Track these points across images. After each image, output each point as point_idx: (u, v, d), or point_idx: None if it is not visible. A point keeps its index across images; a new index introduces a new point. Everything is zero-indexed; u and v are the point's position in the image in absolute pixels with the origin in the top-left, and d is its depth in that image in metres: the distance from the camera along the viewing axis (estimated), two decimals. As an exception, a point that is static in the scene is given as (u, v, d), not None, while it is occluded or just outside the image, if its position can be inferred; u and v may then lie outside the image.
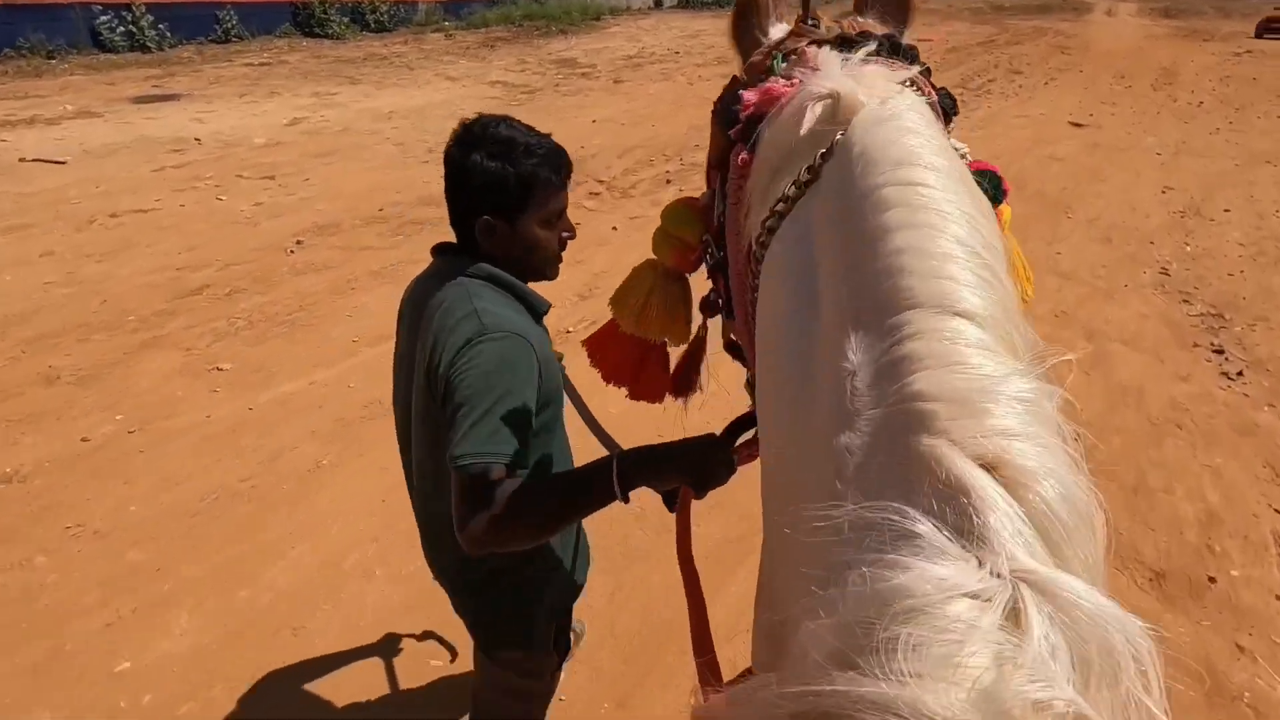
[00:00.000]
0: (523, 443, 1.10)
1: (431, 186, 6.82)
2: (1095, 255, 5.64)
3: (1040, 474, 0.38)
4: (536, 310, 1.29)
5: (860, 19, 0.83)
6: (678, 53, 15.63)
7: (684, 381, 1.24)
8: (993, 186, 0.84)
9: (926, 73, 0.76)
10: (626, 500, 1.05)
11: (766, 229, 0.67)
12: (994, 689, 0.31)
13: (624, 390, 1.29)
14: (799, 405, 0.55)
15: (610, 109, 10.40)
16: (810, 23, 0.82)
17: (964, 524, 0.37)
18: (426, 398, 1.19)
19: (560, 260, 1.32)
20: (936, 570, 0.34)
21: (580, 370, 1.38)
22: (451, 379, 1.10)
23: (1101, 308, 4.79)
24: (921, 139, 0.58)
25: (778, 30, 0.89)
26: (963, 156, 0.73)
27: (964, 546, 0.36)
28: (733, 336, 1.02)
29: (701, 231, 1.00)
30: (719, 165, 0.89)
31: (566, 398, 1.36)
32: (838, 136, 0.61)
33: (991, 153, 8.62)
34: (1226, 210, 6.71)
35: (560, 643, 1.56)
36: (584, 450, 1.39)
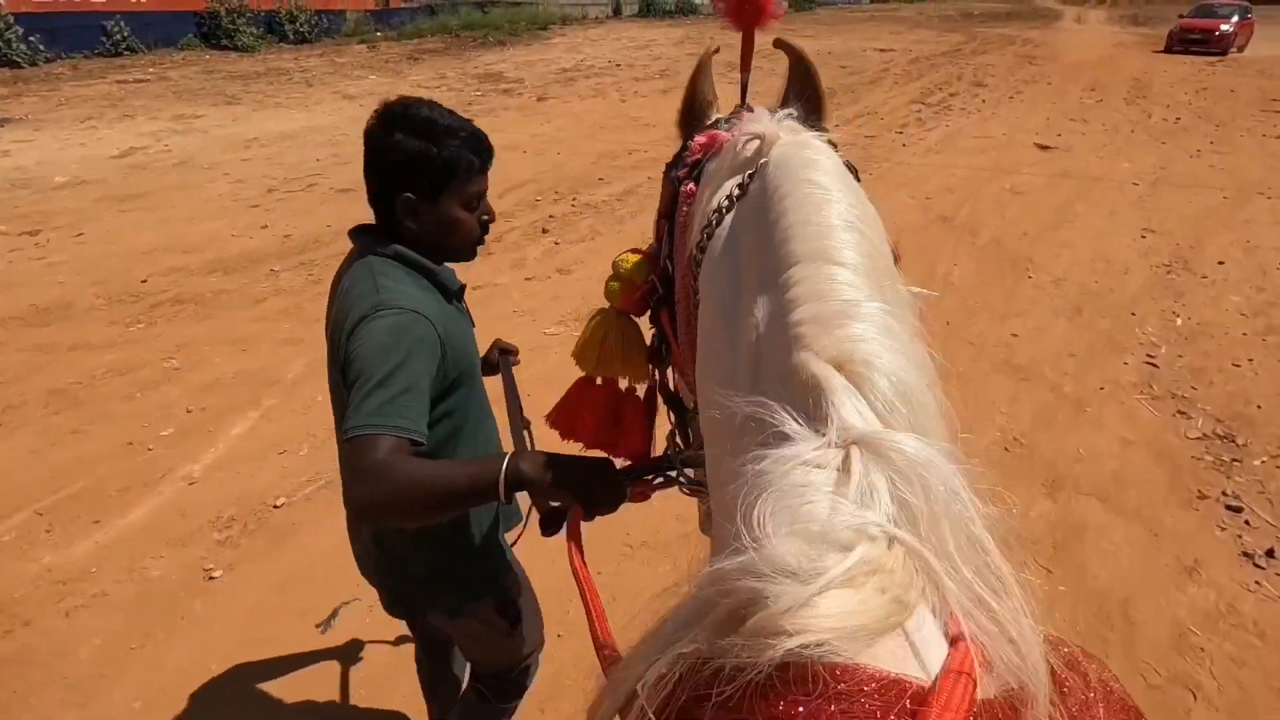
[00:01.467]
0: (416, 416, 1.06)
1: (243, 242, 5.37)
2: (1062, 336, 4.30)
3: (873, 364, 0.47)
4: (447, 289, 1.26)
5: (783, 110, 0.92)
6: (619, 65, 14.26)
7: (647, 446, 1.22)
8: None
9: (833, 145, 0.82)
10: (509, 500, 1.02)
11: (705, 234, 0.76)
12: (823, 529, 0.37)
13: (606, 453, 1.20)
14: (729, 365, 0.62)
15: (519, 132, 9.00)
16: (745, 107, 0.95)
17: (816, 410, 0.44)
18: (336, 376, 1.16)
19: (481, 243, 1.29)
20: (786, 450, 0.42)
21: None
22: (348, 355, 1.09)
23: (1070, 430, 3.44)
24: (821, 154, 0.71)
25: (720, 116, 1.00)
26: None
27: (814, 427, 0.44)
28: (671, 387, 1.08)
29: (647, 274, 1.03)
30: (667, 215, 0.96)
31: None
32: (762, 161, 0.73)
33: (947, 185, 7.32)
34: (1221, 263, 5.41)
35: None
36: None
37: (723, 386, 0.60)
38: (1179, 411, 3.59)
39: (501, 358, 1.56)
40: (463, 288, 1.31)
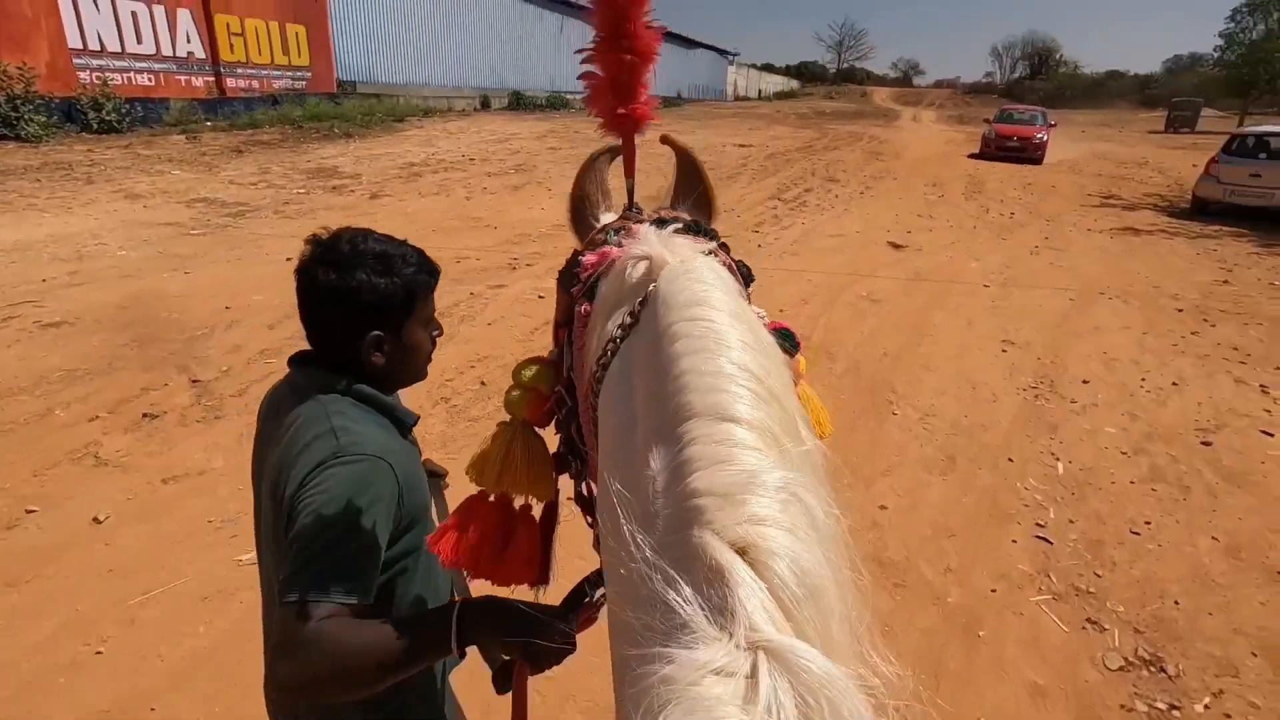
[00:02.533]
0: (366, 577, 0.99)
1: None
2: (937, 505, 3.47)
3: (779, 553, 0.43)
4: (404, 424, 1.20)
5: (673, 210, 0.94)
6: (472, 160, 13.42)
7: (543, 565, 1.05)
8: (787, 340, 0.89)
9: (725, 247, 0.84)
10: (462, 655, 0.97)
11: (601, 365, 0.73)
12: None
13: (486, 579, 1.06)
14: (626, 526, 0.55)
15: (335, 237, 7.76)
16: (635, 210, 0.93)
17: (721, 603, 0.41)
18: (273, 520, 1.05)
19: (430, 360, 1.25)
20: (692, 654, 0.39)
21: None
22: (296, 506, 0.99)
23: (966, 680, 2.49)
24: (710, 286, 0.65)
25: (608, 217, 0.98)
26: (760, 317, 0.80)
27: (719, 624, 0.41)
28: (584, 490, 0.99)
29: (554, 383, 0.96)
30: (565, 323, 0.92)
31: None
32: (650, 288, 0.69)
33: (802, 294, 6.70)
34: (1086, 382, 4.93)
35: None
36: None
37: (619, 543, 0.55)
38: (1089, 621, 2.75)
39: (431, 481, 1.32)
40: (416, 420, 1.24)
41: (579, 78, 0.90)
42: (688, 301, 0.63)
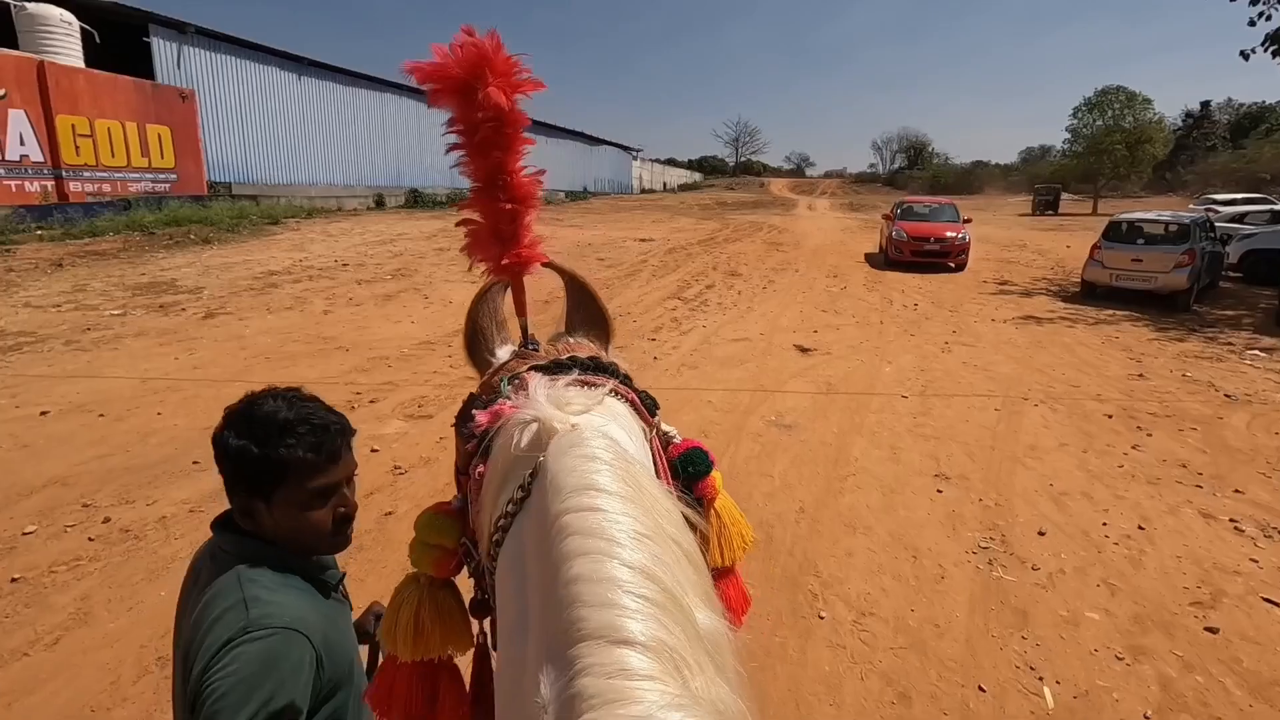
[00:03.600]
0: None
1: None
2: (898, 801, 2.29)
3: None
4: (325, 583, 1.16)
5: (571, 339, 0.92)
6: (345, 265, 12.09)
7: (484, 703, 0.95)
8: (702, 461, 0.87)
9: (627, 380, 0.82)
10: None
11: (494, 541, 0.68)
12: None
13: None
14: None
15: (126, 371, 6.18)
16: (531, 346, 0.90)
17: None
18: (182, 699, 1.00)
19: (341, 534, 1.17)
20: None
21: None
22: (203, 689, 0.93)
23: None
24: (599, 464, 0.61)
25: (504, 351, 0.94)
26: (670, 439, 0.81)
27: None
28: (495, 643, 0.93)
29: (459, 535, 0.88)
30: (465, 470, 0.85)
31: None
32: (539, 459, 0.66)
33: (702, 423, 5.59)
34: (1042, 533, 3.99)
35: None
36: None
37: None
38: None
39: (378, 627, 1.25)
40: (341, 578, 1.21)
41: (457, 224, 0.93)
42: (574, 487, 0.60)
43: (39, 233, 13.17)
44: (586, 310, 0.95)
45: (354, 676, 1.16)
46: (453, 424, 0.88)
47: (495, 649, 0.87)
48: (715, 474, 0.89)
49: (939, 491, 4.53)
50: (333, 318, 8.76)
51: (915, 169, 75.66)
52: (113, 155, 16.05)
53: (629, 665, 0.45)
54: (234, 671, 0.94)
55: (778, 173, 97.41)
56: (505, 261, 0.89)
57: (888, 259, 15.39)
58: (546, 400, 0.71)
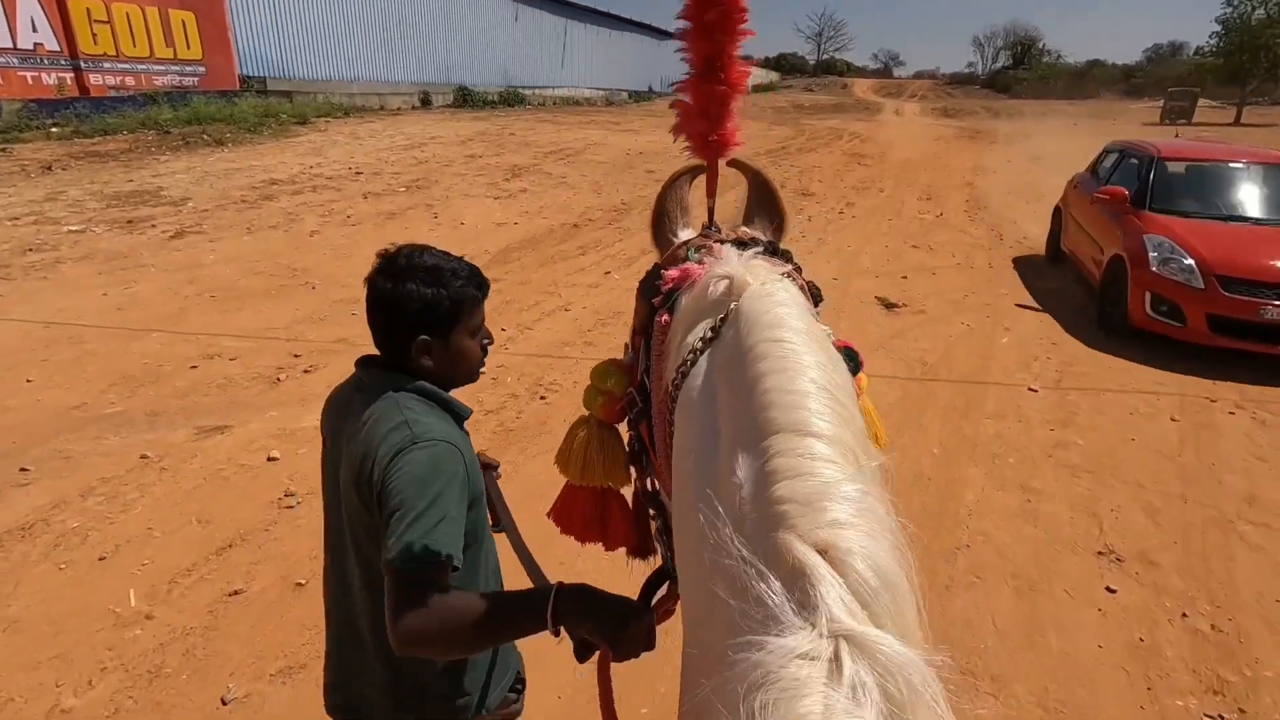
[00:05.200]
0: (454, 543, 1.06)
1: None
2: None
3: (856, 552, 0.46)
4: (460, 416, 1.26)
5: (747, 228, 0.97)
6: (360, 173, 10.53)
7: (644, 537, 1.17)
8: (850, 359, 0.90)
9: (798, 269, 0.87)
10: (557, 634, 1.00)
11: (680, 374, 0.76)
12: None
13: (600, 546, 1.21)
14: (707, 514, 0.59)
15: (31, 311, 4.93)
16: (713, 229, 0.96)
17: (804, 597, 0.44)
18: (358, 507, 1.15)
19: (483, 365, 1.30)
20: (781, 641, 0.42)
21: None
22: (385, 486, 1.07)
23: None
24: (789, 309, 0.70)
25: (686, 234, 1.01)
26: (828, 336, 0.81)
27: (804, 616, 0.44)
28: (649, 487, 1.08)
29: (626, 386, 1.04)
30: (642, 331, 0.97)
31: (495, 514, 1.41)
32: (731, 306, 0.73)
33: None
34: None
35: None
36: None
37: (702, 546, 0.58)
38: None
39: (485, 473, 1.38)
40: (470, 413, 1.29)
41: (670, 105, 0.98)
42: (769, 324, 0.67)
43: (53, 129, 12.10)
44: (766, 205, 1.00)
45: (484, 500, 1.28)
46: (638, 287, 0.95)
47: (643, 491, 1.09)
48: (862, 375, 0.96)
49: (1110, 591, 2.77)
50: (318, 240, 7.30)
51: (1021, 69, 66.95)
52: (134, 44, 14.65)
53: (814, 450, 0.54)
54: (410, 473, 1.06)
55: (862, 73, 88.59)
56: (712, 138, 0.93)
57: (1129, 323, 5.30)
58: (738, 263, 0.79)
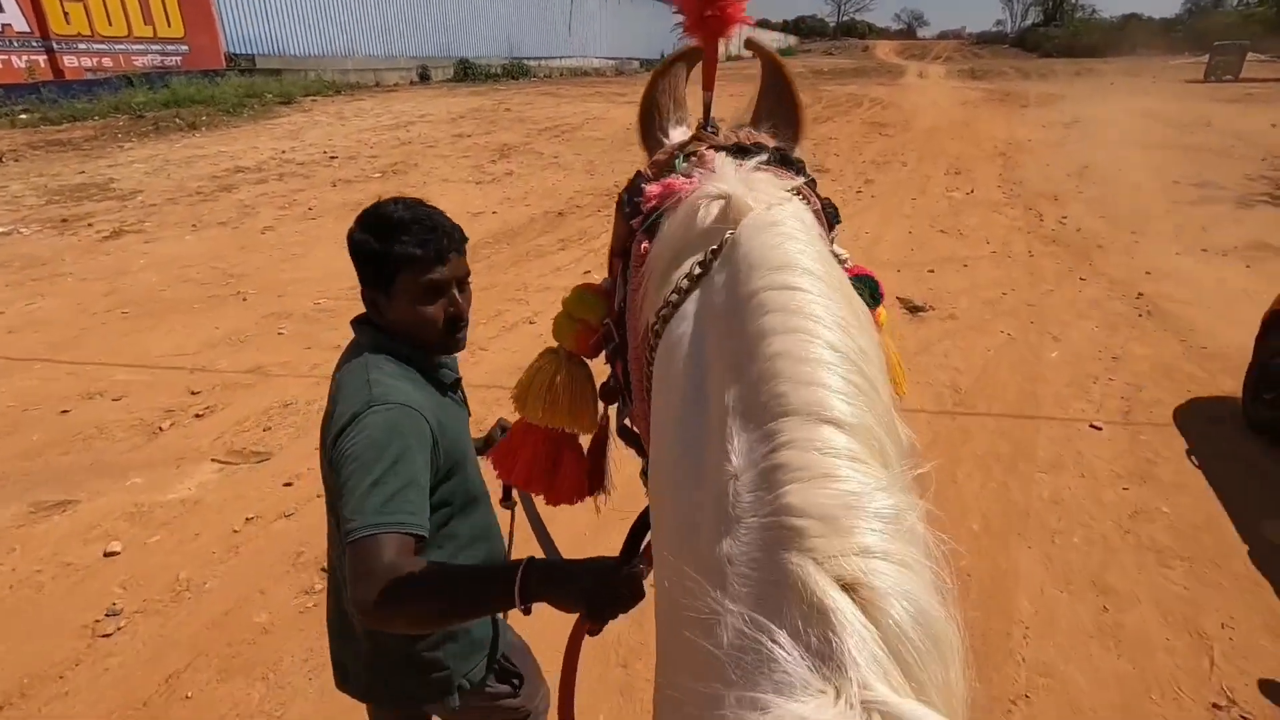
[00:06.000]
0: (418, 510, 1.01)
1: None
2: None
3: (895, 594, 0.36)
4: (440, 382, 1.23)
5: (755, 131, 0.79)
6: (335, 158, 9.67)
7: (595, 476, 1.05)
8: (870, 290, 0.81)
9: (812, 183, 0.73)
10: (528, 611, 0.93)
11: (661, 317, 0.63)
12: None
13: (541, 496, 1.08)
14: (688, 505, 0.51)
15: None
16: (710, 129, 0.79)
17: (824, 648, 0.35)
18: (326, 471, 1.12)
19: (452, 335, 1.21)
20: (794, 708, 0.32)
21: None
22: (341, 451, 1.04)
23: None
24: (801, 245, 0.55)
25: (678, 133, 0.84)
26: (842, 262, 0.73)
27: (823, 675, 0.34)
28: (627, 423, 0.93)
29: (603, 315, 0.89)
30: (620, 253, 0.82)
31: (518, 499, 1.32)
32: (727, 235, 0.60)
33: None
34: None
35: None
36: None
37: (683, 526, 0.50)
38: None
39: (504, 435, 1.25)
40: (458, 380, 1.28)
41: None
42: (776, 264, 0.53)
43: (21, 115, 11.39)
44: (778, 99, 0.81)
45: (468, 469, 1.23)
46: (616, 201, 0.81)
47: (621, 429, 0.91)
48: (881, 309, 0.85)
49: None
50: (268, 239, 6.48)
51: (1053, 25, 63.49)
52: (110, 23, 13.82)
53: (834, 443, 0.42)
54: (365, 438, 1.02)
55: (885, 34, 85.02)
56: (707, 14, 0.74)
57: None
58: (736, 178, 0.64)
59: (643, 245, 0.71)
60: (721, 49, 0.80)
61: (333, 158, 9.67)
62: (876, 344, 0.53)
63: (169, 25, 14.88)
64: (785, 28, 72.01)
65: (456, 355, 1.27)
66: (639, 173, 0.79)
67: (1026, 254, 6.48)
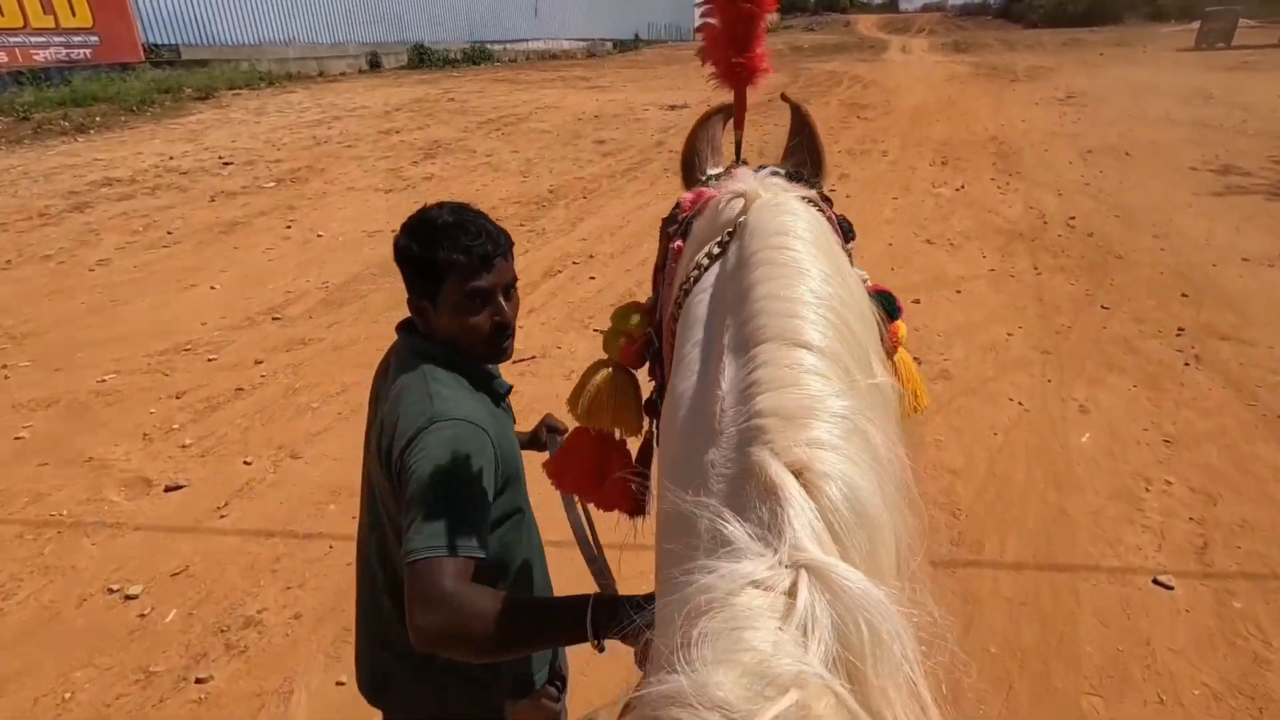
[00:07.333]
0: (480, 533, 1.01)
1: None
2: None
3: (833, 476, 0.41)
4: (496, 393, 1.22)
5: (776, 166, 0.88)
6: (229, 163, 8.25)
7: (641, 490, 1.04)
8: (890, 305, 0.84)
9: (827, 201, 0.79)
10: (601, 649, 0.94)
11: (683, 290, 0.70)
12: (760, 664, 0.32)
13: (592, 503, 1.11)
14: (690, 433, 0.55)
15: None
16: (741, 164, 0.89)
17: (771, 520, 0.39)
18: (382, 479, 1.10)
19: (497, 343, 1.18)
20: (735, 566, 0.37)
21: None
22: (405, 468, 1.02)
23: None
24: (797, 218, 0.62)
25: (715, 171, 0.94)
26: (864, 281, 0.76)
27: (766, 541, 0.38)
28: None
29: (645, 327, 0.95)
30: (662, 268, 0.89)
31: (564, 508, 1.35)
32: (740, 220, 0.67)
33: None
34: None
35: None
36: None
37: (679, 456, 0.55)
38: None
39: (550, 437, 1.41)
40: (509, 389, 1.26)
41: (695, 30, 0.79)
42: (773, 230, 0.61)
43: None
44: (802, 144, 0.91)
45: (520, 482, 1.22)
46: (661, 224, 0.87)
47: (660, 419, 0.88)
48: (900, 323, 0.89)
49: None
50: (91, 280, 5.13)
51: (1036, -5, 61.46)
52: (2, 14, 12.24)
53: (803, 361, 0.47)
54: (428, 455, 0.99)
55: (867, 8, 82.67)
56: (736, 62, 0.86)
57: None
58: (754, 180, 0.72)
59: (677, 244, 0.78)
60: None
61: (226, 164, 8.25)
62: (863, 301, 0.61)
63: (73, 14, 13.26)
64: (766, 4, 69.47)
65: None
66: (679, 200, 0.86)
67: (1032, 271, 5.21)
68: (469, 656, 1.00)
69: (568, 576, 1.51)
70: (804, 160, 0.88)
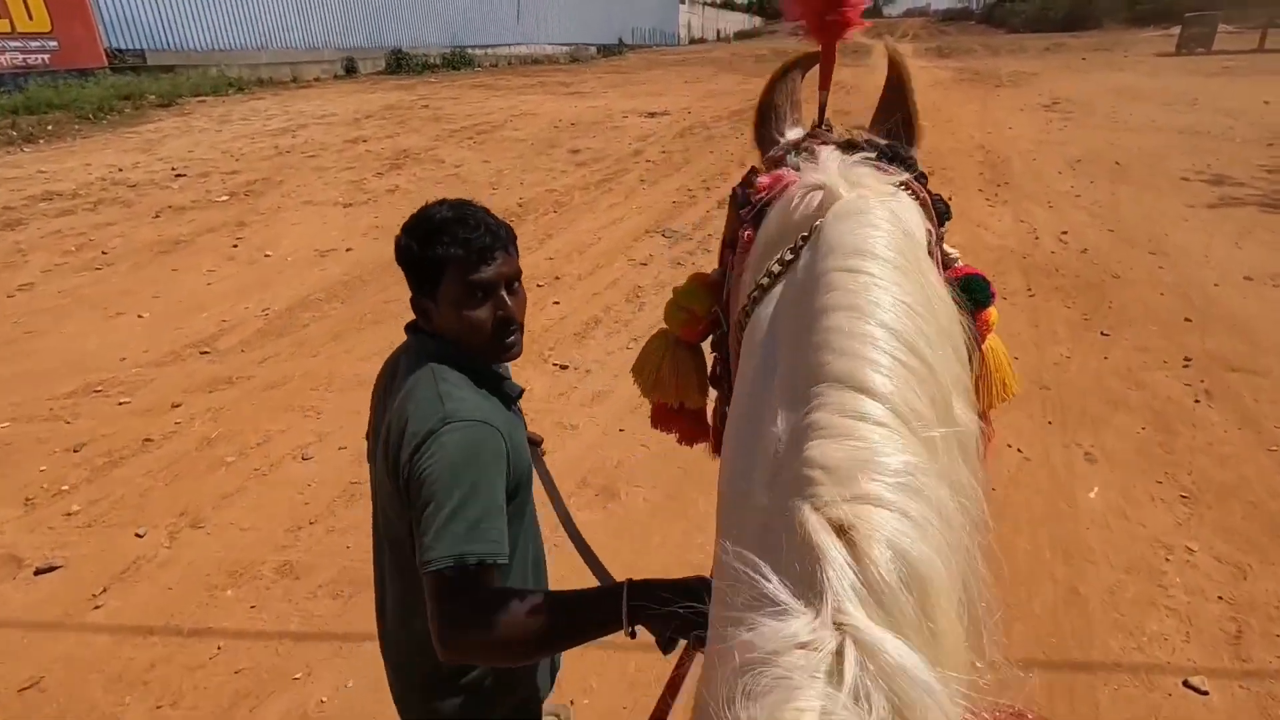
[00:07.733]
0: (499, 536, 0.97)
1: None
2: None
3: (879, 539, 0.38)
4: (506, 395, 1.18)
5: (864, 130, 0.80)
6: (182, 175, 7.77)
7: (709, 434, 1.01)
8: (980, 290, 0.79)
9: (922, 178, 0.72)
10: (634, 635, 0.92)
11: (751, 299, 0.65)
12: None
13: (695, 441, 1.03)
14: (748, 470, 0.52)
15: None
16: (824, 128, 0.80)
17: (810, 580, 0.37)
18: (390, 484, 1.05)
19: (502, 340, 1.12)
20: (779, 625, 0.36)
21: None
22: (416, 473, 0.97)
23: None
24: (879, 232, 0.56)
25: (794, 132, 0.84)
26: (953, 262, 0.75)
27: (807, 600, 0.37)
28: (728, 410, 0.88)
29: (710, 305, 0.89)
30: (730, 244, 0.82)
31: (542, 490, 1.32)
32: (816, 224, 0.61)
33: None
34: None
35: None
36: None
37: (741, 489, 0.52)
38: None
39: (530, 449, 1.27)
40: (520, 392, 1.22)
41: None
42: (849, 249, 0.54)
43: None
44: (893, 103, 0.79)
45: (530, 485, 1.19)
46: (730, 194, 0.81)
47: (723, 416, 0.88)
48: (993, 309, 0.82)
49: None
50: (9, 306, 4.67)
51: (1019, 1, 61.87)
52: (-49, 17, 11.68)
53: (862, 409, 0.44)
54: (441, 455, 0.96)
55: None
56: (829, 17, 0.77)
57: None
58: (837, 171, 0.65)
59: (747, 234, 0.73)
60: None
61: (179, 175, 7.78)
62: (948, 333, 0.54)
63: (30, 18, 12.69)
64: (750, 8, 69.66)
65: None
66: (753, 168, 0.81)
67: (1025, 293, 4.88)
68: (501, 662, 0.99)
69: (565, 577, 1.11)
70: (896, 124, 0.78)
